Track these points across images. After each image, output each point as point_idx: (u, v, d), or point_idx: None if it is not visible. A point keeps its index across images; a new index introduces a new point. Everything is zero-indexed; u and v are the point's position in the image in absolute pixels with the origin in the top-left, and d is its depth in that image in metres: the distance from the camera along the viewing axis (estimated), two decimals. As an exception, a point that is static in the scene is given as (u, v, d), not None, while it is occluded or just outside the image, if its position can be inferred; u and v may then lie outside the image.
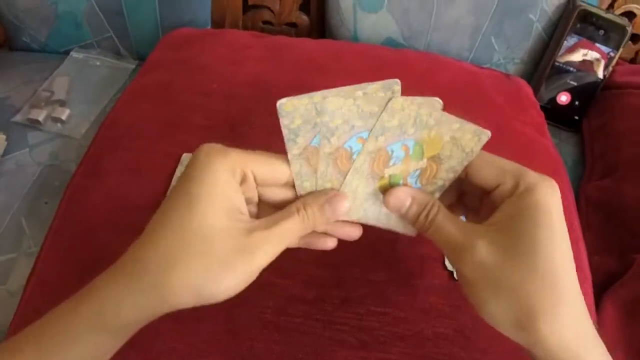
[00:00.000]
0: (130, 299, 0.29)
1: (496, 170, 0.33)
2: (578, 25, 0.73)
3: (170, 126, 0.55)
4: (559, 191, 0.31)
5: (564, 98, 0.76)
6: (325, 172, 0.35)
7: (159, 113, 0.57)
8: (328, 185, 0.35)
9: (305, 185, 0.35)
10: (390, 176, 0.35)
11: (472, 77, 0.67)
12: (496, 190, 0.33)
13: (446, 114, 0.35)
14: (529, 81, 0.73)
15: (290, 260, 0.44)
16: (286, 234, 0.31)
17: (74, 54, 0.84)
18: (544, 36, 0.76)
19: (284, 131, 0.34)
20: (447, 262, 0.46)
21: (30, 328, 0.30)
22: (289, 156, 0.34)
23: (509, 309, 0.29)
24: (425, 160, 0.35)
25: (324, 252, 0.44)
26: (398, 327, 0.42)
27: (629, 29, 0.73)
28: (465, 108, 0.60)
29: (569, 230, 0.52)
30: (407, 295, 0.44)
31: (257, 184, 0.33)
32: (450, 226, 0.32)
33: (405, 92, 0.62)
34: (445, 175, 0.36)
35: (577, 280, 0.30)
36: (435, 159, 0.35)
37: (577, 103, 0.76)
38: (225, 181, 0.30)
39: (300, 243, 0.35)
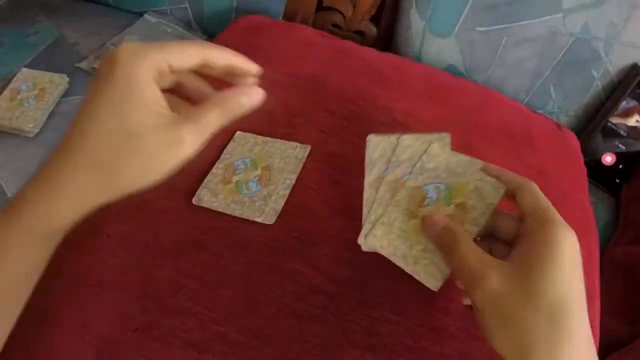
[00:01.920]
0: (64, 204, 0.31)
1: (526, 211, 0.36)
2: (638, 91, 0.73)
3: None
4: (576, 238, 0.33)
5: (609, 159, 0.76)
6: (383, 197, 0.40)
7: (221, 88, 0.59)
8: (380, 212, 0.40)
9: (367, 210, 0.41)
10: (423, 217, 0.40)
11: (524, 119, 0.67)
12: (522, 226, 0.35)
13: (472, 159, 0.41)
14: (578, 136, 0.73)
15: (319, 254, 0.46)
16: (210, 125, 0.33)
17: (147, 16, 0.87)
18: (601, 95, 0.77)
19: (366, 160, 0.41)
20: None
21: None
22: (365, 183, 0.41)
23: (512, 340, 0.30)
24: (452, 206, 0.40)
25: (354, 253, 0.45)
26: (407, 338, 0.44)
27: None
28: (512, 149, 0.62)
29: (588, 288, 0.53)
30: (422, 310, 0.45)
31: (173, 72, 0.34)
32: (471, 255, 0.34)
33: (459, 117, 0.64)
34: (469, 227, 0.39)
35: (585, 321, 0.31)
36: (462, 207, 0.40)
37: (621, 167, 0.76)
38: (145, 80, 0.31)
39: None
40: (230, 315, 0.43)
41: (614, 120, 0.75)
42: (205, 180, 0.50)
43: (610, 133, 0.75)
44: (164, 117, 0.32)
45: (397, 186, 0.41)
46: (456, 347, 0.44)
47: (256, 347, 0.42)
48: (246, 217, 0.47)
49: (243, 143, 0.54)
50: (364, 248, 0.40)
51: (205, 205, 0.48)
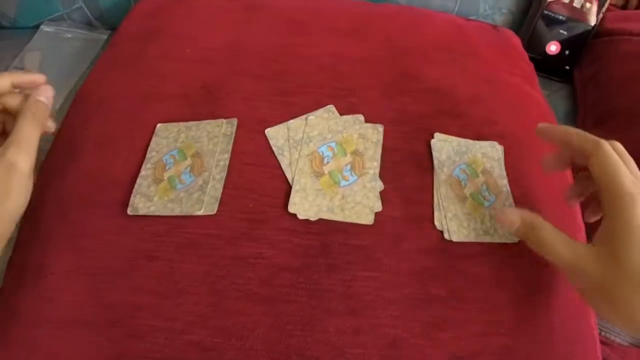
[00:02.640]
0: None
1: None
2: (567, -29, 0.70)
3: (144, 96, 0.52)
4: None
5: (553, 48, 0.73)
6: (302, 169, 0.46)
7: (132, 83, 0.54)
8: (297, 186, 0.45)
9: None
10: (329, 172, 0.46)
11: (458, 29, 0.64)
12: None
13: (347, 117, 0.50)
14: (517, 32, 0.70)
15: (274, 231, 0.43)
16: (30, 137, 0.38)
17: (44, 27, 0.81)
18: (531, -17, 0.73)
19: (274, 149, 0.47)
20: (436, 222, 0.45)
21: None
22: (283, 167, 0.46)
23: (617, 312, 0.35)
24: (349, 155, 0.47)
25: (307, 221, 0.43)
26: (387, 291, 0.41)
27: (620, -28, 0.70)
28: (453, 62, 0.59)
29: (560, 181, 0.51)
30: (395, 259, 0.42)
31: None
32: (559, 246, 0.37)
33: (391, 46, 0.60)
34: (370, 164, 0.47)
35: None
36: (356, 153, 0.48)
37: (567, 52, 0.73)
38: None
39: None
40: (198, 321, 0.40)
41: (550, 8, 0.72)
42: (136, 186, 0.46)
43: (549, 21, 0.72)
44: None
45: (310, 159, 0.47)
46: (440, 286, 0.42)
47: (234, 346, 0.39)
48: (186, 214, 0.43)
49: (166, 135, 0.49)
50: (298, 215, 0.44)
51: (142, 213, 0.44)
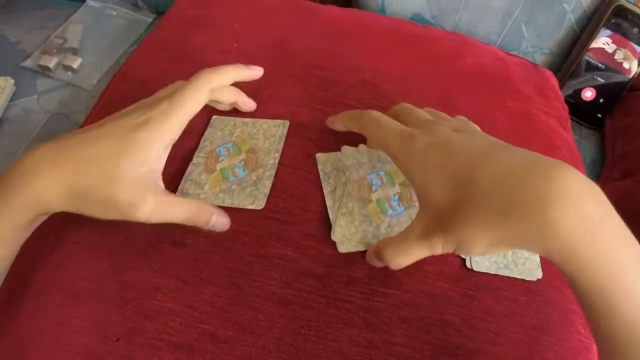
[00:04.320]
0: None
1: None
2: (612, 21, 0.70)
3: (185, 84, 0.53)
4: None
5: (589, 94, 0.74)
6: (341, 196, 0.46)
7: (174, 69, 0.55)
8: (344, 210, 0.45)
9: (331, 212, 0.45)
10: (377, 200, 0.46)
11: (499, 62, 0.64)
12: None
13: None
14: (555, 73, 0.70)
15: (300, 235, 0.43)
16: (173, 214, 0.38)
17: (90, 2, 0.82)
18: (575, 28, 0.74)
19: (320, 174, 0.47)
20: None
21: None
22: (325, 193, 0.46)
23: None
24: (397, 186, 0.47)
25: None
26: (403, 309, 0.41)
27: (664, 29, 0.70)
28: (490, 94, 0.59)
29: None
30: (415, 279, 0.43)
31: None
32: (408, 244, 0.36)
33: (431, 71, 0.61)
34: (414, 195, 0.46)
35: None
36: (404, 184, 0.47)
37: (601, 101, 0.74)
38: (163, 149, 0.38)
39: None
40: (215, 312, 0.40)
41: (591, 54, 0.72)
42: (187, 172, 0.47)
43: (588, 67, 0.73)
44: (149, 181, 0.37)
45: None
46: (456, 312, 0.42)
47: (246, 342, 0.39)
48: (237, 206, 0.44)
49: (222, 127, 0.50)
50: (338, 244, 0.43)
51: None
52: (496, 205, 0.30)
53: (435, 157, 0.35)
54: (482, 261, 0.44)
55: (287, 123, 0.50)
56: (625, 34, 0.71)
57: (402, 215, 0.46)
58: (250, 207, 0.44)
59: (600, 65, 0.72)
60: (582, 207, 0.28)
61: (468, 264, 0.44)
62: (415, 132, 0.37)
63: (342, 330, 0.40)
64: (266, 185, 0.46)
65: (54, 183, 0.34)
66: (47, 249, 0.44)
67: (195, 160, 0.48)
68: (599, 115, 0.74)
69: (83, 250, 0.43)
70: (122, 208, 0.35)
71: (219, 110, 0.51)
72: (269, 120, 0.50)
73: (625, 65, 0.72)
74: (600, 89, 0.73)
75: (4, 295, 0.41)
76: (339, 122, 0.45)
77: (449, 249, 0.34)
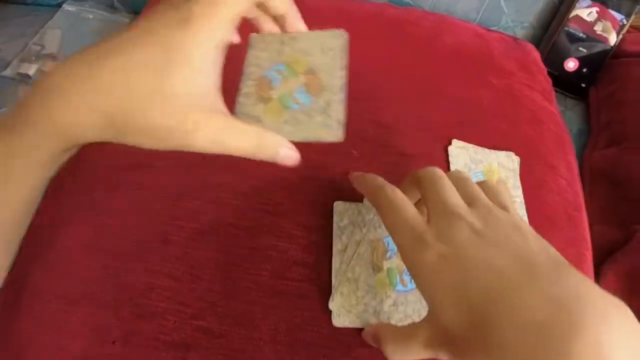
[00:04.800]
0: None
1: None
2: (591, -11, 0.71)
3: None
4: None
5: (571, 65, 0.74)
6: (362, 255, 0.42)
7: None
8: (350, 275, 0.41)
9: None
10: (388, 270, 0.42)
11: (480, 40, 0.64)
12: None
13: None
14: (537, 46, 0.70)
15: (291, 224, 0.43)
16: (235, 142, 0.31)
17: (66, 6, 0.81)
18: (554, 0, 0.74)
19: (334, 227, 0.43)
20: None
21: None
22: (334, 250, 0.42)
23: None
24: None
25: (326, 219, 0.43)
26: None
27: (643, -4, 0.70)
28: (473, 71, 0.59)
29: (572, 199, 0.51)
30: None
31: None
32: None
33: (413, 53, 0.61)
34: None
35: None
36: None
37: (585, 70, 0.74)
38: (217, 54, 0.30)
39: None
40: (209, 307, 0.40)
41: (571, 25, 0.72)
42: (238, 106, 0.38)
43: (570, 38, 0.73)
44: (212, 100, 0.30)
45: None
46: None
47: (242, 335, 0.39)
48: (310, 140, 0.37)
49: (265, 47, 0.40)
50: (334, 315, 0.40)
51: None
52: (514, 356, 0.26)
53: (446, 276, 0.30)
54: None
55: (344, 33, 0.41)
56: (603, 2, 0.71)
57: (410, 294, 0.41)
58: (326, 138, 0.36)
59: (581, 35, 0.72)
60: None
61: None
62: (429, 237, 0.31)
63: (338, 316, 0.40)
64: (339, 111, 0.37)
65: (83, 110, 0.28)
66: (41, 253, 0.43)
67: (243, 90, 0.38)
68: (583, 85, 0.74)
69: (76, 253, 0.43)
70: (173, 136, 0.29)
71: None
72: (322, 32, 0.41)
73: (605, 32, 0.72)
74: (582, 59, 0.73)
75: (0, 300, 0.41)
76: (357, 186, 0.40)
77: None
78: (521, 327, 0.26)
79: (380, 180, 0.37)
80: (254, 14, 0.37)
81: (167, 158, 0.47)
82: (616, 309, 0.26)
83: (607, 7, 0.71)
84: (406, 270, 0.40)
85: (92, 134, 0.29)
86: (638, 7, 0.70)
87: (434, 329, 0.31)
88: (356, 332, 0.40)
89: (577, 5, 0.71)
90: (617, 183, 0.61)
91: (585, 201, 0.55)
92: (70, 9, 0.81)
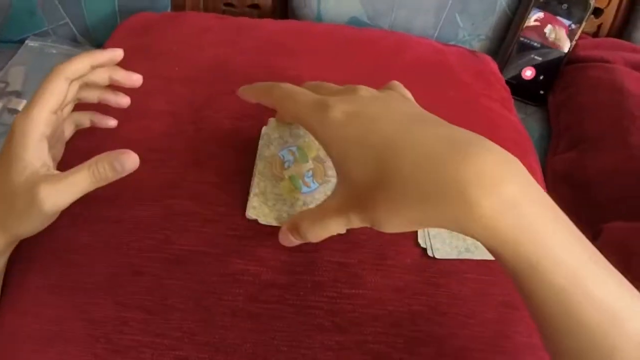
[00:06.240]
0: None
1: None
2: (541, 1, 0.73)
3: (131, 112, 0.53)
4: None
5: (528, 73, 0.76)
6: (263, 172, 0.45)
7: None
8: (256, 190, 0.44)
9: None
10: (290, 177, 0.45)
11: (438, 54, 0.66)
12: None
13: None
14: (494, 57, 0.73)
15: (261, 248, 0.44)
16: (75, 186, 0.36)
17: (29, 42, 0.81)
18: (507, 12, 0.77)
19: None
20: (420, 239, 0.46)
21: None
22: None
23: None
24: (310, 161, 0.45)
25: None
26: (372, 307, 0.42)
27: (592, 3, 0.73)
28: (432, 86, 0.61)
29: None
30: (379, 276, 0.43)
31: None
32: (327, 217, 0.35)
33: (372, 71, 0.62)
34: (331, 172, 0.45)
35: None
36: (317, 158, 0.46)
37: (541, 77, 0.76)
38: (31, 144, 0.37)
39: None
40: (186, 337, 0.40)
41: (525, 35, 0.75)
42: (259, 186, 0.44)
43: (525, 47, 0.75)
44: (35, 177, 0.36)
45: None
46: (424, 302, 0.43)
47: (220, 362, 0.39)
48: None
49: (277, 125, 0.47)
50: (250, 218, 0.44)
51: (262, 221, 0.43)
52: (413, 189, 0.29)
53: (351, 130, 0.33)
54: (443, 248, 0.45)
55: None
56: (554, 11, 0.74)
57: (316, 192, 0.45)
58: None
59: (535, 44, 0.75)
60: (501, 189, 0.27)
61: (429, 253, 0.45)
62: (331, 100, 0.34)
63: (314, 336, 0.40)
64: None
65: None
66: (11, 297, 0.43)
67: (259, 167, 0.45)
68: (542, 92, 0.77)
69: (45, 292, 0.43)
70: (31, 214, 0.36)
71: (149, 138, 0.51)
72: None
73: (558, 41, 0.74)
74: (538, 67, 0.76)
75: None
76: (249, 95, 0.43)
77: (365, 225, 0.33)
78: (417, 161, 0.29)
79: (271, 82, 0.41)
80: (91, 96, 0.46)
81: (131, 191, 0.47)
82: (506, 152, 0.29)
83: (558, 15, 0.74)
84: (306, 173, 0.45)
85: None
86: (587, 13, 0.73)
87: (343, 192, 0.34)
88: (334, 351, 0.40)
89: (529, 15, 0.74)
90: (579, 185, 0.63)
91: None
92: (33, 44, 0.80)
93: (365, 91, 0.36)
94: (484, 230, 0.28)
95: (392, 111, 0.34)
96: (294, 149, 0.46)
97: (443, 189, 0.28)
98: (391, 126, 0.32)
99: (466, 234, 0.29)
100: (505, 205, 0.27)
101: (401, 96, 0.38)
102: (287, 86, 0.39)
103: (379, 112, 0.33)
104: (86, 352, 0.40)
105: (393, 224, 0.32)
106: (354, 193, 0.33)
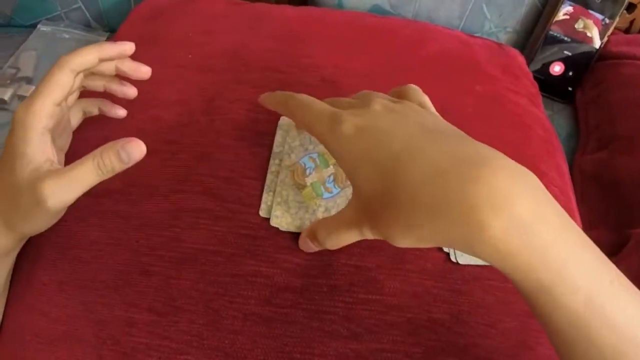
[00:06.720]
0: None
1: None
2: (573, -7, 0.70)
3: (141, 101, 0.51)
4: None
5: (557, 68, 0.73)
6: (284, 180, 0.44)
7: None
8: (279, 199, 0.44)
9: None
10: (312, 184, 0.44)
11: (464, 46, 0.63)
12: None
13: None
14: (521, 51, 0.69)
15: (275, 249, 0.42)
16: (80, 181, 0.34)
17: (41, 27, 0.79)
18: (537, 4, 0.73)
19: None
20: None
21: None
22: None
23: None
24: (331, 166, 0.45)
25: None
26: (389, 314, 0.40)
27: (626, -3, 0.69)
28: (457, 79, 0.58)
29: (564, 205, 0.50)
30: (398, 281, 0.41)
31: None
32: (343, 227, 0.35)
33: (394, 61, 0.59)
34: None
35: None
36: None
37: (570, 73, 0.73)
38: (33, 137, 0.35)
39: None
40: (194, 340, 0.38)
41: (555, 28, 0.71)
42: (280, 195, 0.44)
43: (554, 41, 0.72)
44: (38, 173, 0.34)
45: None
46: (445, 309, 0.40)
47: (230, 367, 0.37)
48: None
49: (297, 133, 0.47)
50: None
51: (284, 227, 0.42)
52: (421, 205, 0.28)
53: (361, 144, 0.32)
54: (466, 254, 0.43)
55: None
56: (586, 5, 0.70)
57: (338, 197, 0.44)
58: None
59: (565, 38, 0.72)
60: (512, 209, 0.26)
61: (453, 258, 0.43)
62: (343, 114, 0.34)
63: (328, 343, 0.38)
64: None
65: None
66: (18, 292, 0.42)
67: (282, 177, 0.45)
68: (570, 89, 0.73)
69: (53, 290, 0.41)
70: (36, 212, 0.35)
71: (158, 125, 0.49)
72: None
73: (588, 34, 0.71)
74: (567, 62, 0.73)
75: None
76: (267, 103, 0.43)
77: (379, 237, 0.33)
78: (426, 176, 0.28)
79: (289, 92, 0.40)
80: (97, 85, 0.44)
81: (140, 185, 0.45)
82: (520, 168, 0.28)
83: (590, 8, 0.70)
84: (327, 178, 0.44)
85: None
86: (621, 8, 0.69)
87: (356, 205, 0.34)
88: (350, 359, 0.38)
89: (560, 8, 0.70)
90: (609, 186, 0.60)
91: (578, 206, 0.54)
92: (45, 29, 0.79)
93: (379, 104, 0.35)
94: (495, 253, 0.26)
95: (403, 125, 0.33)
96: (314, 155, 0.46)
97: (452, 209, 0.27)
98: (400, 141, 0.31)
99: (477, 257, 0.27)
100: (518, 226, 0.26)
101: (416, 106, 0.37)
102: (303, 97, 0.38)
103: (389, 127, 0.33)
104: (92, 354, 0.39)
105: (405, 241, 0.30)
106: (366, 207, 0.32)
